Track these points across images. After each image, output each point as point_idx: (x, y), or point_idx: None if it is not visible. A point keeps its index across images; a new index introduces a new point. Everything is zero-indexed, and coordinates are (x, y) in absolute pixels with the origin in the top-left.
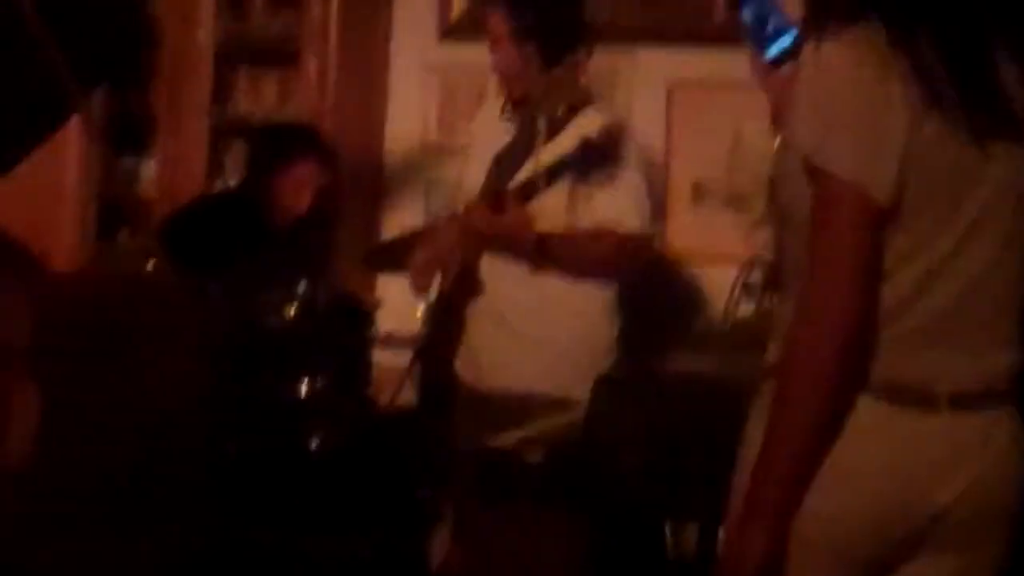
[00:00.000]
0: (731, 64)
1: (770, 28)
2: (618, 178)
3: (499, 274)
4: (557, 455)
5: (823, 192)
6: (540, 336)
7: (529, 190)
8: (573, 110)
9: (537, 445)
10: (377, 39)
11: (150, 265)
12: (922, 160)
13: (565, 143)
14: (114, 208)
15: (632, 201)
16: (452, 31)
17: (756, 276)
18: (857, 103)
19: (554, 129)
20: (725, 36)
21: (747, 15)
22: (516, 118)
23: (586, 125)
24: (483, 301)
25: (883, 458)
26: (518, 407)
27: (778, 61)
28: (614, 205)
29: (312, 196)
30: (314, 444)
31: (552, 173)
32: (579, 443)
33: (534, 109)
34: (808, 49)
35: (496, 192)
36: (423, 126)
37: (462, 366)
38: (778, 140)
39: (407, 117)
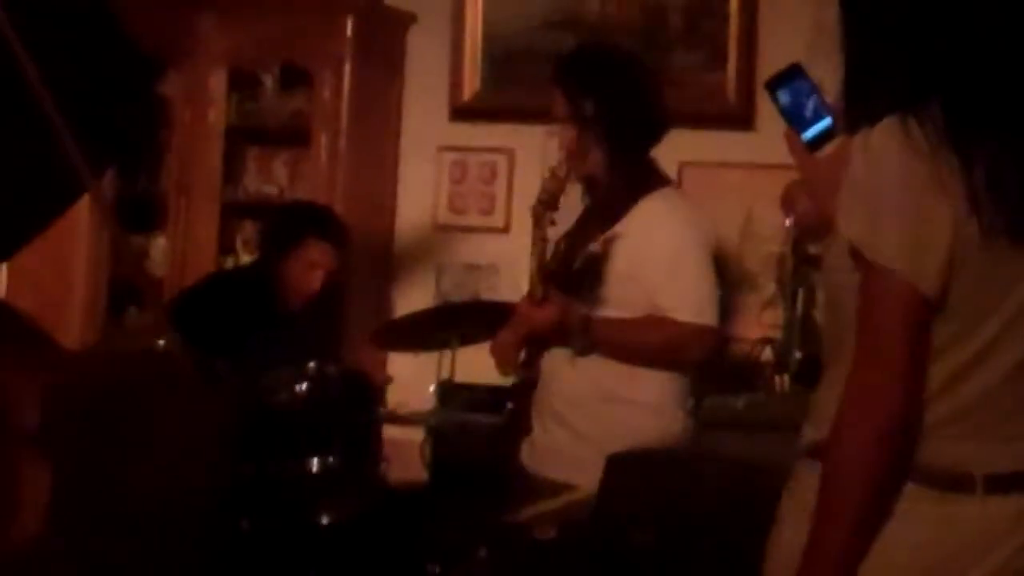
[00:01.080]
0: (741, 145)
1: (808, 111)
2: (678, 267)
3: (557, 368)
4: (569, 531)
5: (872, 283)
6: (594, 436)
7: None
8: (637, 195)
9: (549, 522)
10: (388, 120)
11: (160, 343)
12: (968, 253)
13: (620, 229)
14: (124, 286)
15: (691, 291)
16: (463, 112)
17: (767, 356)
18: (907, 195)
19: (619, 206)
20: (735, 118)
21: (784, 97)
22: (586, 198)
23: (645, 211)
24: (542, 391)
25: (916, 541)
26: (550, 491)
27: (815, 144)
28: (672, 295)
29: (324, 276)
30: (325, 520)
31: (575, 275)
32: (591, 520)
33: (597, 192)
34: (858, 138)
35: (534, 286)
36: (434, 206)
37: (525, 450)
38: (788, 222)
39: (418, 197)
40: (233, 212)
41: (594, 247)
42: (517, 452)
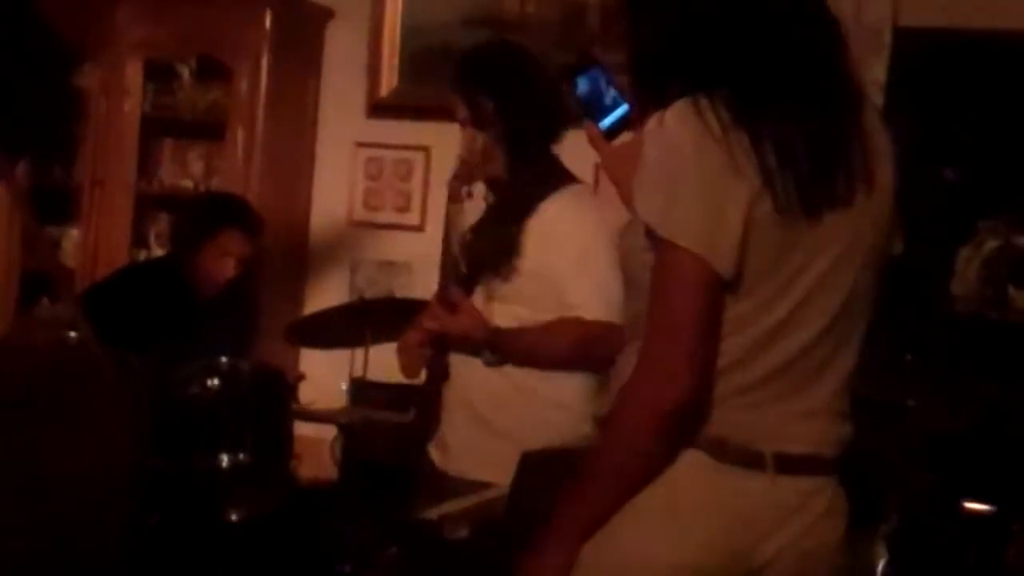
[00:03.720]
0: None
1: (607, 99)
2: (586, 266)
3: (469, 364)
4: (482, 530)
5: (667, 261)
6: (506, 429)
7: (491, 265)
8: (542, 193)
9: (461, 521)
10: (305, 115)
11: (72, 335)
12: (763, 230)
13: (532, 226)
14: (36, 277)
15: (599, 289)
16: (380, 108)
17: None
18: (702, 175)
19: (525, 205)
20: None
21: (582, 87)
22: (488, 199)
23: (552, 209)
24: (455, 389)
25: (709, 509)
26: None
27: (614, 132)
28: (581, 294)
29: (237, 264)
30: (235, 516)
31: (482, 273)
32: (503, 519)
33: (502, 192)
34: (652, 120)
35: (447, 292)
36: (349, 202)
37: (433, 448)
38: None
39: (333, 193)
40: (147, 204)
41: (501, 245)
42: (425, 452)
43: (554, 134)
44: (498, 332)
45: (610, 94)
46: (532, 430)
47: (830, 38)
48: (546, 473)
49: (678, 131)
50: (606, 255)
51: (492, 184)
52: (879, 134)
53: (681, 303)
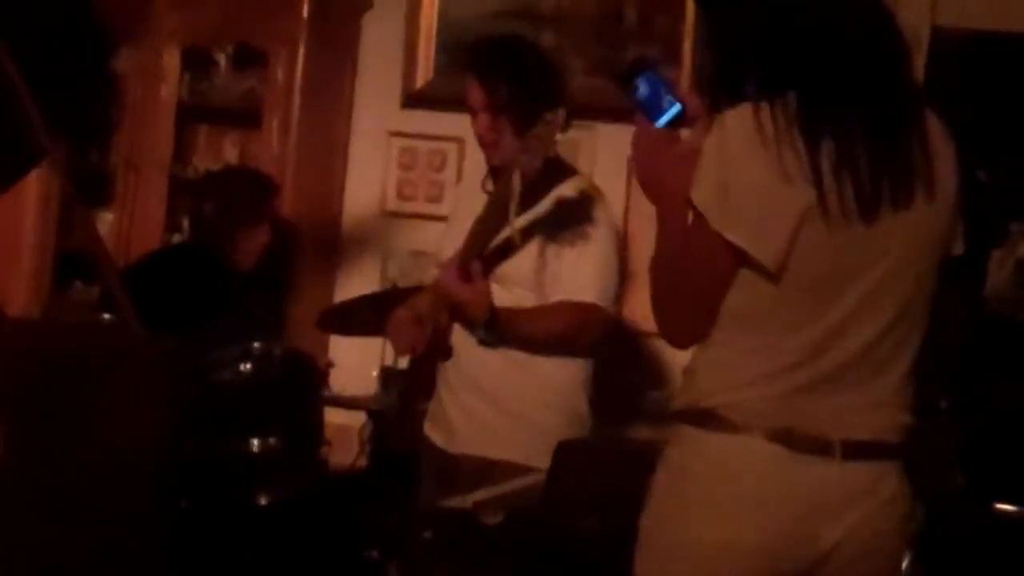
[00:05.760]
0: None
1: (664, 100)
2: (586, 249)
3: (473, 342)
4: (516, 518)
5: (711, 244)
6: (511, 406)
7: (504, 250)
8: (552, 178)
9: (496, 507)
10: (340, 104)
11: (106, 317)
12: (819, 232)
13: (542, 208)
14: (71, 259)
15: (595, 274)
16: (415, 99)
17: None
18: (750, 177)
19: (533, 194)
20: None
21: (643, 89)
22: (496, 185)
23: (564, 191)
24: (455, 367)
25: (779, 495)
26: (482, 471)
27: (668, 130)
28: (577, 277)
29: (269, 230)
30: (264, 500)
31: (526, 232)
32: (538, 506)
33: (511, 167)
34: (719, 117)
35: (464, 260)
36: (382, 192)
37: (431, 428)
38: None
39: (367, 182)
40: (181, 189)
41: (510, 231)
42: (422, 433)
43: (558, 112)
44: (497, 313)
45: (665, 95)
46: (533, 408)
47: (896, 46)
48: (580, 461)
49: (731, 134)
50: (605, 244)
51: (496, 172)
52: (941, 139)
53: (709, 284)
